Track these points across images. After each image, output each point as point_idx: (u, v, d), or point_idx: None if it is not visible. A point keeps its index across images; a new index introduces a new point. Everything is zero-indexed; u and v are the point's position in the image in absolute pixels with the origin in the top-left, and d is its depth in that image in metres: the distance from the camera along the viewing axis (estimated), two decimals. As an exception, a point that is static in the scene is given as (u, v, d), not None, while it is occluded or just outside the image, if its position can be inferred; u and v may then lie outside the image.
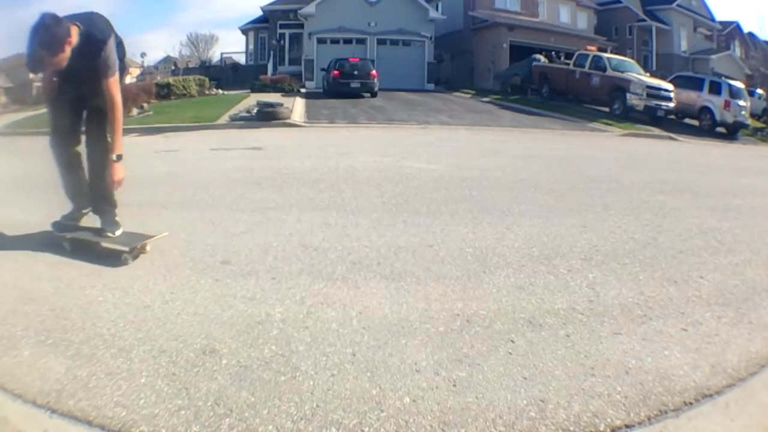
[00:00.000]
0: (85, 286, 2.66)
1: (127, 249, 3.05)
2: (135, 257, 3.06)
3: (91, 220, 3.39)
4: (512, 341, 2.23)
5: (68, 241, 3.18)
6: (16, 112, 18.02)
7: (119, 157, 3.04)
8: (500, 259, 3.19)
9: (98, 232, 3.27)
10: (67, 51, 2.78)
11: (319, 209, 4.22)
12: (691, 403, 1.87)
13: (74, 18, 2.91)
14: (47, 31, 2.69)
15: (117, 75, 3.06)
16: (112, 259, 3.02)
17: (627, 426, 1.74)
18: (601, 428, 1.72)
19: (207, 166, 6.49)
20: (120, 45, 3.15)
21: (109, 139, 3.10)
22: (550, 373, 2.00)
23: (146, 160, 7.29)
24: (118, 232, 3.25)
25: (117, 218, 3.31)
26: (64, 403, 1.76)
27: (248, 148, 7.99)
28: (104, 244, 3.19)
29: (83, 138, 3.24)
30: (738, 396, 1.94)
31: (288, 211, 4.15)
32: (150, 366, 1.97)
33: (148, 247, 3.18)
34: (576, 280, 2.90)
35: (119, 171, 3.03)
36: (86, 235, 3.27)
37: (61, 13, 2.82)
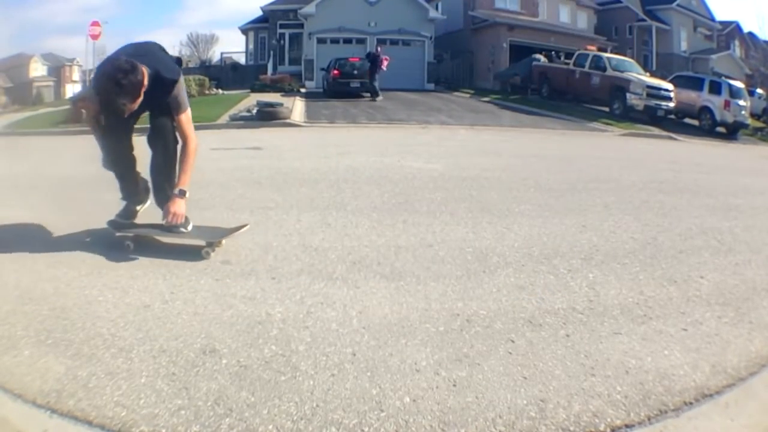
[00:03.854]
0: (85, 286, 2.66)
1: (204, 243, 3.02)
2: (213, 251, 3.04)
3: (148, 215, 3.31)
4: (512, 341, 2.23)
5: (131, 239, 3.09)
6: (16, 112, 18.04)
7: (182, 192, 2.99)
8: (500, 259, 3.19)
9: (167, 228, 3.10)
10: (142, 95, 2.75)
11: (319, 209, 4.22)
12: (691, 403, 1.87)
13: (137, 55, 2.84)
14: (126, 79, 2.65)
15: (189, 111, 3.04)
16: (186, 255, 3.01)
17: (627, 426, 1.74)
18: (601, 428, 1.72)
19: (206, 165, 6.47)
20: (179, 62, 3.19)
21: (177, 170, 3.05)
22: (550, 373, 2.00)
23: (146, 160, 7.29)
24: (189, 227, 3.13)
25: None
26: (64, 402, 1.76)
27: (248, 147, 7.99)
28: (173, 240, 3.11)
29: (147, 135, 3.17)
30: (738, 396, 1.94)
31: (288, 211, 4.14)
32: (150, 366, 1.97)
33: (224, 242, 3.12)
34: (576, 280, 2.90)
35: (179, 206, 2.97)
36: (152, 232, 3.18)
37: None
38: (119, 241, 3.10)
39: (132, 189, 3.26)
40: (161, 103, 2.95)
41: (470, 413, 1.76)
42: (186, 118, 3.01)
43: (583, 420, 1.74)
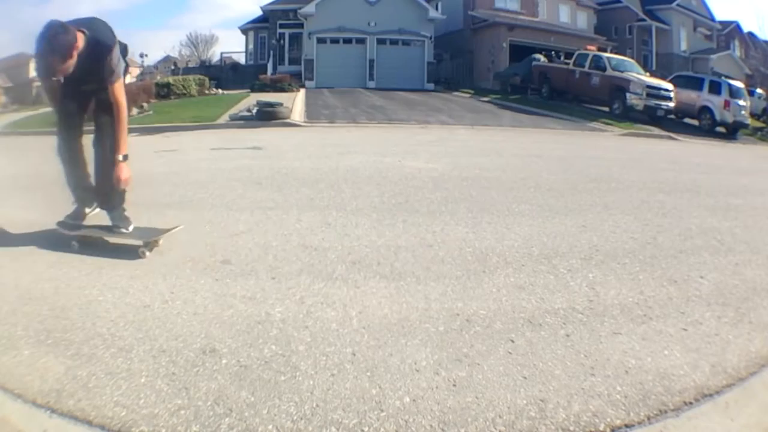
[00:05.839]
0: (85, 286, 2.66)
1: (141, 243, 3.12)
2: (150, 250, 3.13)
3: (97, 218, 3.40)
4: (512, 341, 2.23)
5: (76, 239, 3.21)
6: (16, 112, 18.02)
7: (125, 157, 3.12)
8: (500, 259, 3.19)
9: (109, 229, 3.31)
10: (75, 56, 2.84)
11: (319, 209, 4.22)
12: (691, 403, 1.87)
13: (79, 24, 2.96)
14: (56, 39, 2.76)
15: (122, 79, 3.15)
16: (126, 254, 3.06)
17: (627, 426, 1.74)
18: (601, 428, 1.72)
19: (207, 165, 6.49)
20: (124, 48, 3.26)
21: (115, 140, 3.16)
22: (550, 373, 2.00)
23: (146, 160, 7.28)
24: (130, 228, 3.30)
25: (127, 214, 3.34)
26: (64, 402, 1.76)
27: (248, 147, 7.98)
28: (115, 240, 3.24)
29: (92, 136, 3.28)
30: (738, 396, 1.94)
31: (288, 211, 4.15)
32: (150, 366, 1.97)
33: (161, 241, 3.24)
34: (576, 280, 2.90)
35: (125, 171, 3.11)
36: (96, 233, 3.30)
37: (65, 19, 2.88)
38: (66, 241, 3.20)
39: (79, 185, 3.33)
40: (99, 71, 3.01)
41: (470, 413, 1.76)
42: (119, 86, 3.10)
43: (583, 420, 1.74)
